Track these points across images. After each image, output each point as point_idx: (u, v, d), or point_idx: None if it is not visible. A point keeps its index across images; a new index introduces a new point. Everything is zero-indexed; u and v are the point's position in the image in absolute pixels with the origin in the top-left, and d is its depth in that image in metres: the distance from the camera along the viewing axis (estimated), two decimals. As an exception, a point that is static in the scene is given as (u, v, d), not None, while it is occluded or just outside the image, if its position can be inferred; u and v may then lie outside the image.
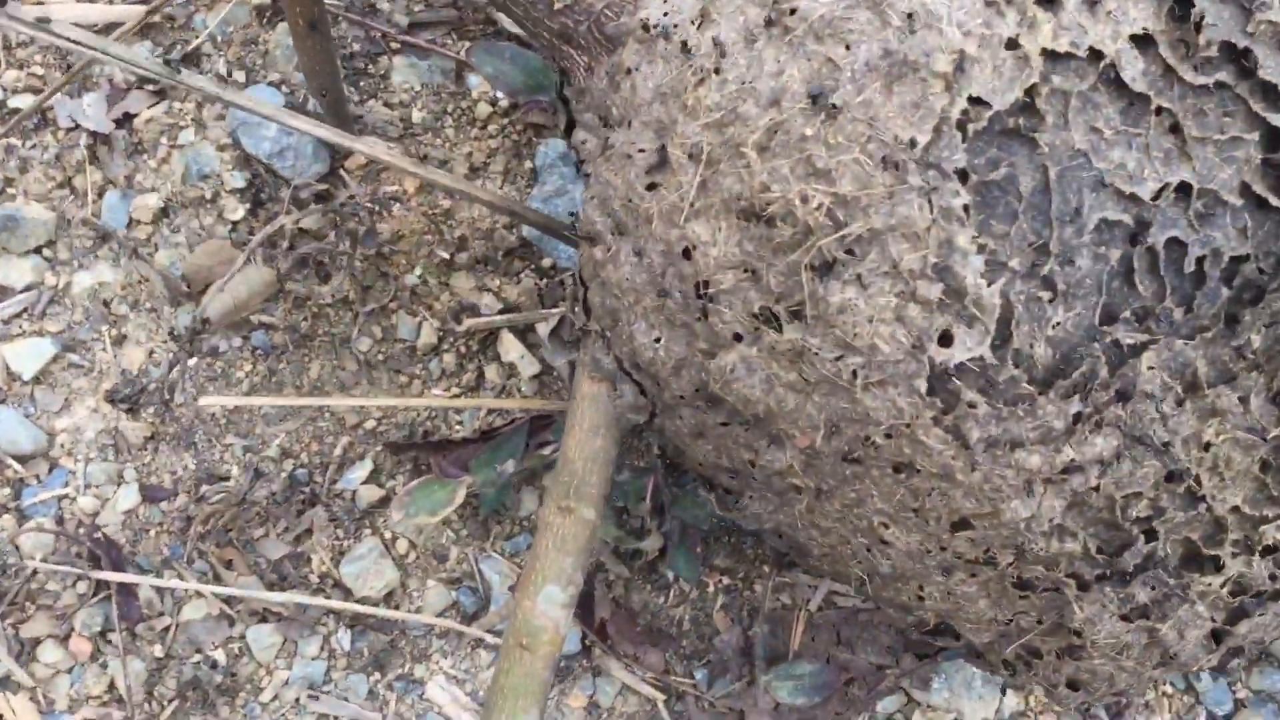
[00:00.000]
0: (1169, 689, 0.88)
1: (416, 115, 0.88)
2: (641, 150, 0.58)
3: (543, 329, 0.83)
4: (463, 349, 0.85)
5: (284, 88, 0.87)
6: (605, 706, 0.81)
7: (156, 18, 0.88)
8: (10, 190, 0.84)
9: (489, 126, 0.88)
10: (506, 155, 0.88)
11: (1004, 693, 0.84)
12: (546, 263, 0.87)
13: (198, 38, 0.88)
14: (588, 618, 0.79)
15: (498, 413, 0.84)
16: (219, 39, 0.88)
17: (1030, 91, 0.53)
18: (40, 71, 0.86)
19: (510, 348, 0.84)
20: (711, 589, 0.84)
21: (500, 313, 0.84)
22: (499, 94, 0.88)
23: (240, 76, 0.87)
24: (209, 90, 0.66)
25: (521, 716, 0.57)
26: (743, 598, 0.84)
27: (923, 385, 0.53)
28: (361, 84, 0.88)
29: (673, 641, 0.82)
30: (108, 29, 0.87)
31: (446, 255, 0.85)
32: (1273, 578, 0.60)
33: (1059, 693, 0.65)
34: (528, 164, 0.88)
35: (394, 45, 0.89)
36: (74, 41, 0.64)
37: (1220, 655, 0.63)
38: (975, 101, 0.52)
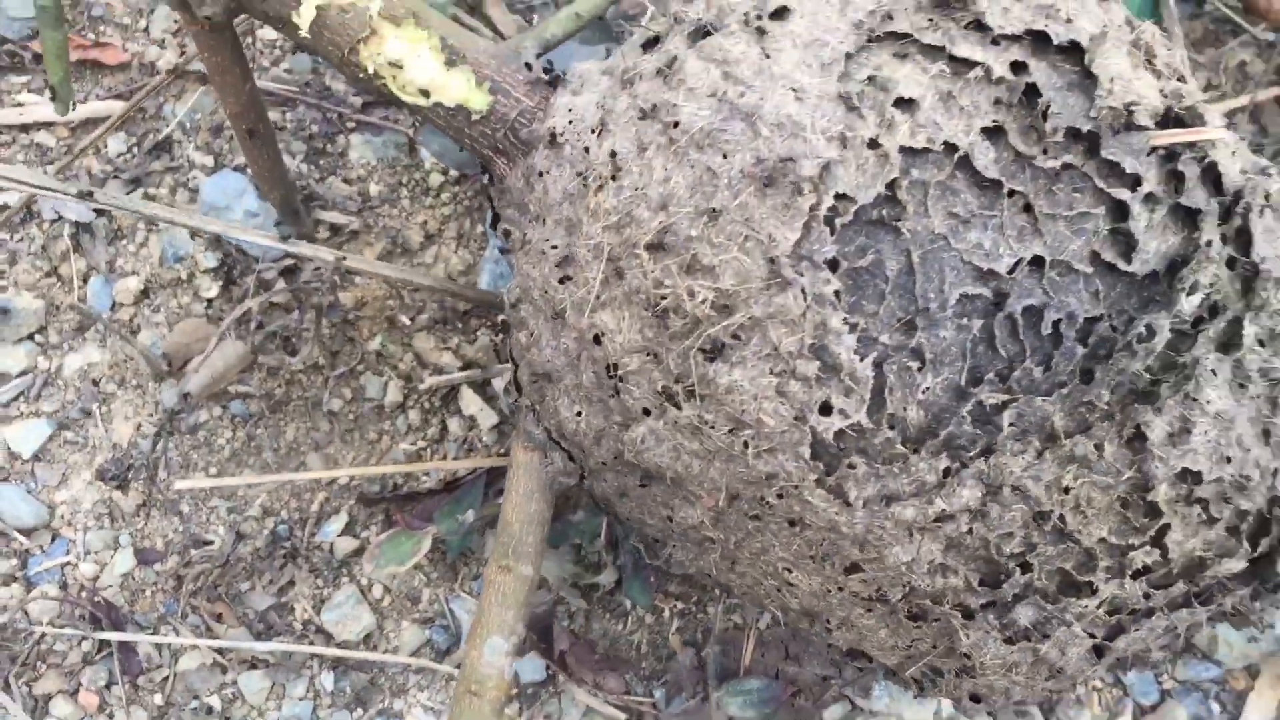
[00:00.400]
0: (1099, 683, 0.95)
1: (374, 188, 0.94)
2: (554, 247, 0.64)
3: (499, 383, 0.90)
4: (426, 405, 0.92)
5: (249, 170, 0.94)
6: (570, 728, 0.88)
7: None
8: (2, 282, 0.91)
9: (441, 195, 0.95)
10: (459, 220, 0.95)
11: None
12: (501, 318, 0.94)
13: (168, 126, 0.95)
14: (548, 650, 0.87)
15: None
16: (188, 126, 0.95)
17: (892, 185, 0.60)
18: (24, 168, 0.93)
19: (470, 402, 0.91)
20: (666, 614, 0.91)
21: (460, 369, 0.91)
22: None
23: (209, 161, 0.94)
24: (131, 208, 0.72)
25: (476, 755, 0.64)
26: (696, 621, 0.91)
27: (806, 451, 0.59)
28: (321, 162, 0.95)
29: (631, 665, 0.89)
30: (89, 124, 0.94)
31: (407, 319, 0.92)
32: (1146, 596, 0.67)
33: (964, 705, 0.72)
34: (479, 228, 0.95)
35: (350, 124, 0.95)
36: (13, 180, 0.71)
37: (1105, 666, 0.69)
38: (841, 197, 0.59)
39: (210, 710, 0.85)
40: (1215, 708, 0.94)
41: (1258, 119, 1.09)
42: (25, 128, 0.93)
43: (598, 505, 0.86)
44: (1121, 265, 0.62)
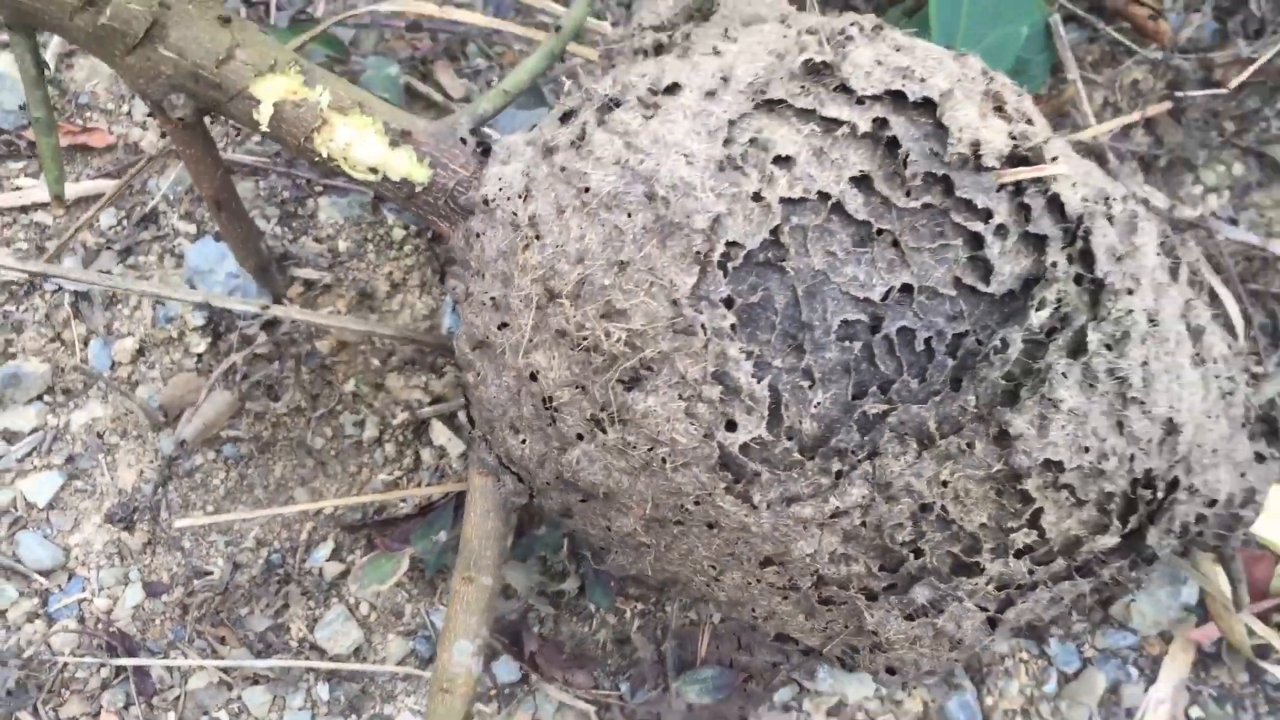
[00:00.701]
0: (1024, 655, 1.04)
1: (342, 245, 1.04)
2: (492, 298, 0.74)
3: (463, 415, 1.00)
4: (400, 438, 1.01)
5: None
6: (544, 722, 0.98)
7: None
8: (11, 350, 1.01)
9: (404, 247, 1.05)
10: (421, 270, 1.04)
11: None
12: (464, 355, 1.03)
13: (154, 199, 1.05)
14: (520, 653, 0.96)
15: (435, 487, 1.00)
16: (171, 198, 1.05)
17: (775, 231, 0.69)
18: (24, 245, 1.03)
19: (439, 433, 1.01)
20: (628, 614, 1.00)
21: (430, 404, 1.01)
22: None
23: (191, 229, 1.04)
24: (86, 278, 0.83)
25: (450, 744, 0.74)
26: (655, 619, 1.00)
27: (716, 463, 0.69)
28: (293, 224, 1.05)
29: (598, 662, 0.99)
30: (82, 202, 1.04)
31: (379, 361, 1.01)
32: (1030, 572, 0.77)
33: (881, 677, 0.81)
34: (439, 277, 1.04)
35: (318, 188, 1.05)
36: (12, 267, 0.81)
37: (1001, 635, 0.79)
38: (732, 244, 0.69)
39: (219, 724, 0.95)
40: (1134, 672, 1.03)
41: (1153, 131, 1.19)
42: (24, 209, 1.03)
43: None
44: (981, 287, 0.72)
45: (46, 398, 1.01)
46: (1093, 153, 1.14)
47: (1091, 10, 1.20)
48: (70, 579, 0.98)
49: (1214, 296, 1.06)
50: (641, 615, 1.00)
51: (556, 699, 0.97)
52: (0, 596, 0.96)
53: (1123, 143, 1.17)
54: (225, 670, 0.95)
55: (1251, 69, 1.16)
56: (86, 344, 1.02)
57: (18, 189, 1.03)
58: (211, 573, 0.96)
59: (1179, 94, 1.17)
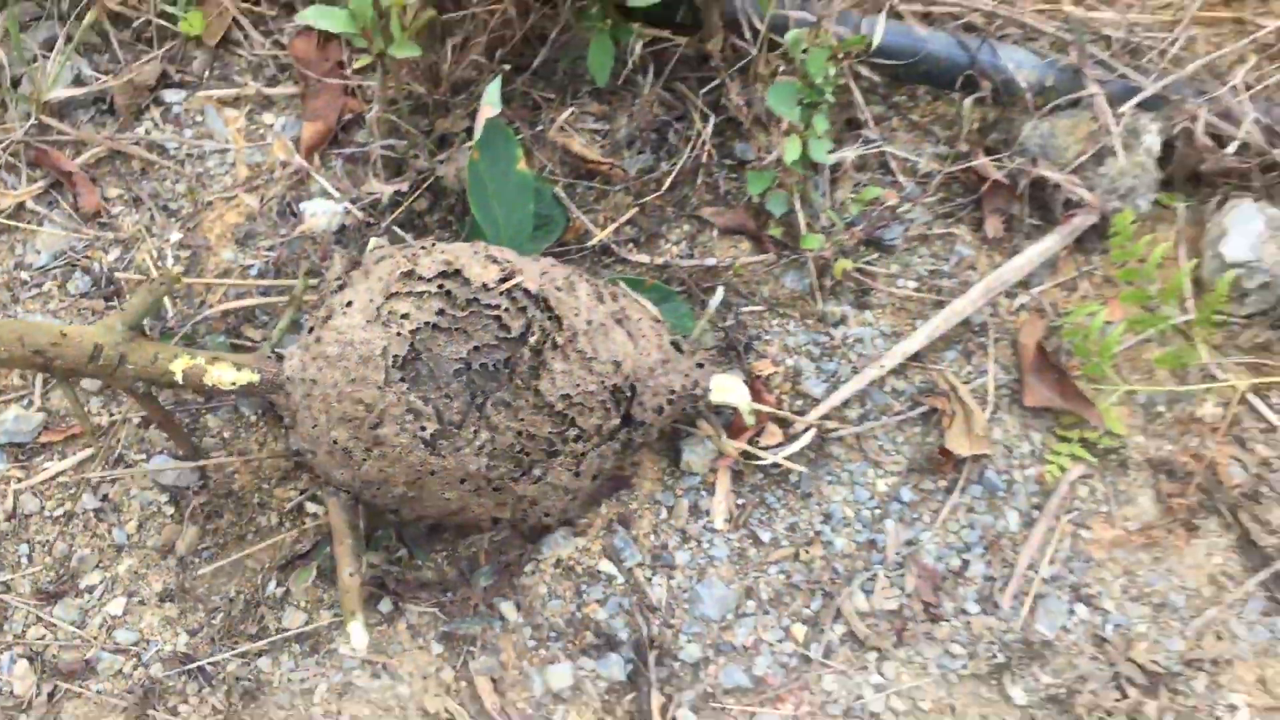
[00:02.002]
0: (649, 503, 1.97)
1: (226, 434, 1.92)
2: (308, 417, 1.65)
3: (317, 487, 1.88)
4: (293, 516, 1.88)
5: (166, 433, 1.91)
6: (413, 624, 1.84)
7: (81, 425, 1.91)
8: None
9: (259, 425, 1.93)
10: (270, 424, 1.93)
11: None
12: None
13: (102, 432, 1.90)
14: (388, 590, 1.84)
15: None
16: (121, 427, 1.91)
17: (412, 345, 1.62)
18: None
19: (310, 507, 1.88)
20: (438, 559, 1.88)
21: (300, 493, 1.89)
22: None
23: (145, 453, 1.90)
24: None
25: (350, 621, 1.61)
26: (456, 555, 1.89)
27: (423, 448, 1.60)
28: (198, 425, 1.92)
29: (431, 586, 1.86)
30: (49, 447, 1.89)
31: (272, 481, 1.89)
32: (584, 445, 1.70)
33: (546, 521, 1.73)
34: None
35: (205, 408, 1.94)
36: None
37: (584, 480, 1.72)
38: (395, 354, 1.61)
39: None
40: (706, 494, 1.96)
41: (636, 222, 2.18)
42: None
43: (394, 513, 1.85)
44: (507, 335, 1.65)
45: None
46: (607, 248, 2.11)
47: (581, 176, 2.18)
48: None
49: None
50: (444, 556, 1.89)
51: (415, 610, 1.84)
52: None
53: (620, 236, 2.15)
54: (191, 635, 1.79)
55: (669, 180, 2.16)
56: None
57: None
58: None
59: (642, 200, 2.16)
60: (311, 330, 1.68)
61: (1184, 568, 1.92)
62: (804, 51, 1.89)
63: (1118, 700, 1.80)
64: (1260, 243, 2.05)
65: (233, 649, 1.79)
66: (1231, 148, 2.09)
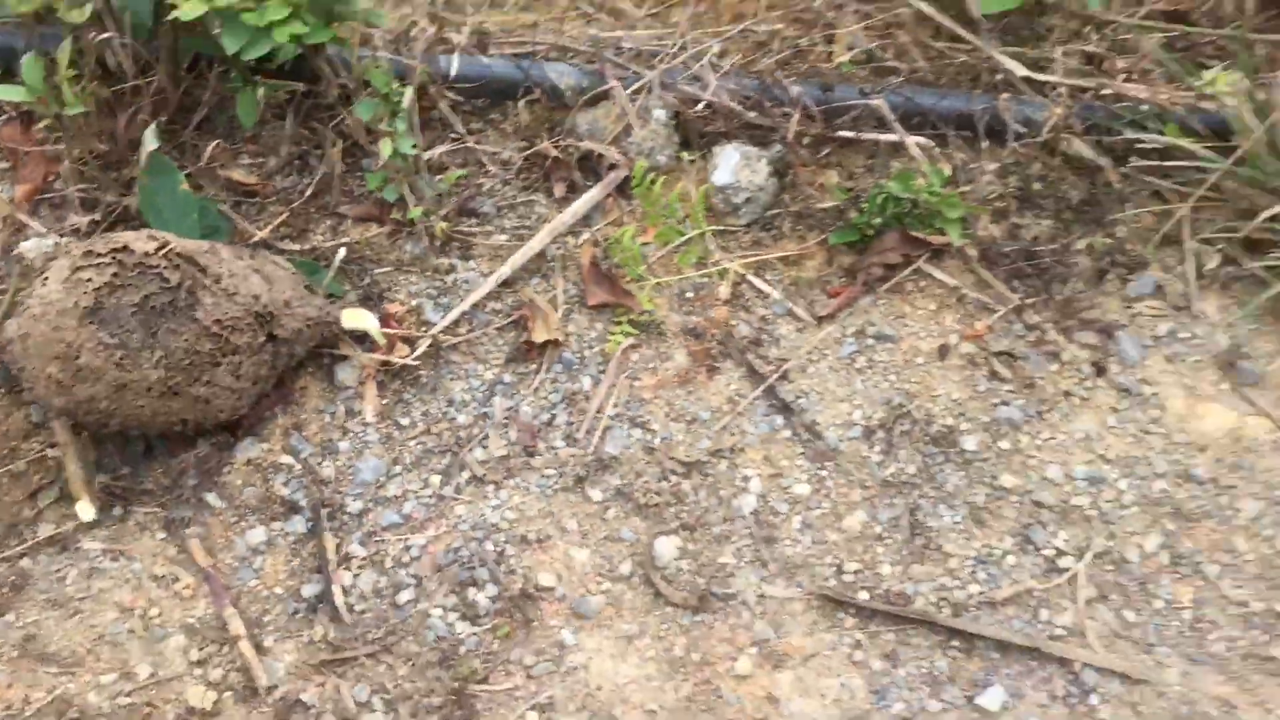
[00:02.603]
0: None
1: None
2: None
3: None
4: (37, 463, 2.48)
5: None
6: (140, 521, 2.44)
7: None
8: None
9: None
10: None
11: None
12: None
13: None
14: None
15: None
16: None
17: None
18: None
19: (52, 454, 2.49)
20: (157, 473, 2.50)
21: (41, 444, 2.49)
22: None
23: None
24: None
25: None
26: (170, 468, 2.51)
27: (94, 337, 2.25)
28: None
29: (154, 492, 2.47)
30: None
31: (17, 440, 2.49)
32: (240, 358, 2.37)
33: (212, 411, 2.39)
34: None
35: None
36: None
37: (244, 392, 2.39)
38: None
39: None
40: (357, 406, 2.65)
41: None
42: None
43: (100, 434, 2.47)
44: (170, 284, 2.33)
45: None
46: (268, 244, 2.80)
47: (244, 196, 2.89)
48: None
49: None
50: (161, 471, 2.51)
51: (141, 511, 2.45)
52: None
53: (277, 234, 2.85)
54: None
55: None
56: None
57: None
58: None
59: (291, 206, 2.88)
60: (22, 305, 2.32)
61: (709, 395, 2.70)
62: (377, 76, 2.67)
63: (664, 484, 2.55)
64: (736, 170, 2.91)
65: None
66: (707, 112, 2.96)
